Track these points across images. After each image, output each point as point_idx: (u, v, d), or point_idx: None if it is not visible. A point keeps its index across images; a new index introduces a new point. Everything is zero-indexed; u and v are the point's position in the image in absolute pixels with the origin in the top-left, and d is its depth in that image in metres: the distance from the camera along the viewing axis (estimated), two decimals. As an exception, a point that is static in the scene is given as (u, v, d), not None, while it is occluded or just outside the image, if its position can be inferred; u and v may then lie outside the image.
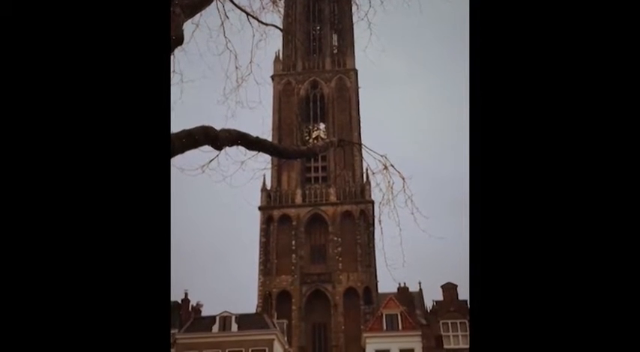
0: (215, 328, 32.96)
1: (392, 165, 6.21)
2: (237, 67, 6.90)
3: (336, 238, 58.80)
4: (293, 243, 59.27)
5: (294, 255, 58.63)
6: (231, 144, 4.86)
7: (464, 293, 34.24)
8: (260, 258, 58.93)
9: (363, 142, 7.02)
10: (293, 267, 57.97)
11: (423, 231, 6.69)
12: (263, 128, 7.10)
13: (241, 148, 5.20)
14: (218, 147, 4.75)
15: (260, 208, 61.35)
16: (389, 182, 6.18)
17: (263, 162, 6.33)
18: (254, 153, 5.50)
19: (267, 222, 60.84)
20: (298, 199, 61.85)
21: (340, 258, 57.73)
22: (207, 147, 4.76)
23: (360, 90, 69.31)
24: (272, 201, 61.96)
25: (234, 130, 4.91)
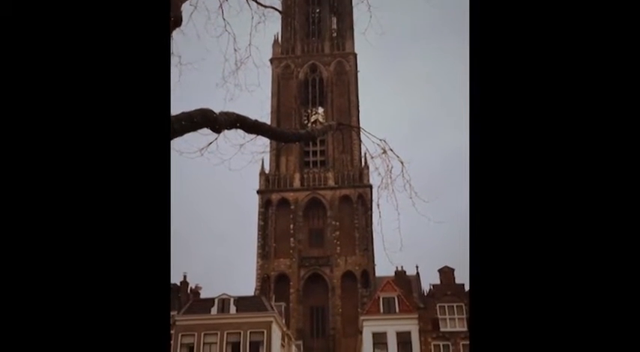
0: (214, 310, 33.27)
1: (391, 149, 6.21)
2: (235, 50, 6.84)
3: (334, 222, 59.08)
4: (291, 226, 59.55)
5: (292, 239, 58.96)
6: (229, 127, 4.85)
7: (461, 277, 34.59)
8: (258, 241, 59.25)
9: (362, 126, 7.02)
10: (291, 251, 58.35)
11: (421, 215, 6.71)
12: (262, 112, 7.08)
13: (240, 131, 5.18)
14: (217, 130, 4.73)
15: (259, 192, 61.49)
16: (387, 166, 6.19)
17: (262, 145, 6.33)
18: (253, 136, 5.48)
19: (265, 205, 61.04)
20: (297, 183, 61.96)
21: (338, 242, 58.09)
22: (205, 130, 4.74)
23: (359, 74, 69.04)
24: (270, 185, 62.07)
25: (233, 113, 4.89)
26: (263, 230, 59.91)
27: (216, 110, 4.76)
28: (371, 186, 56.65)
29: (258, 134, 5.33)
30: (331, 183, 61.36)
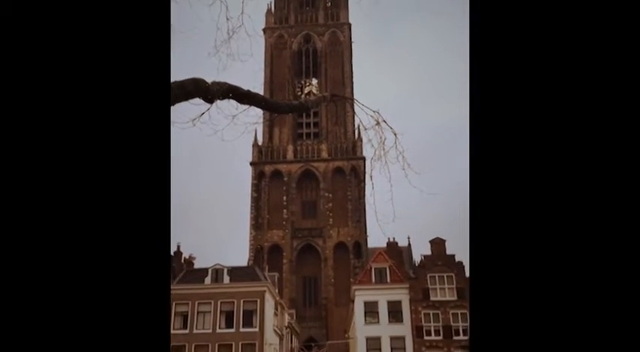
0: (207, 280, 33.69)
1: (384, 121, 6.19)
2: (228, 19, 6.71)
3: (327, 194, 59.39)
4: (284, 198, 59.80)
5: (285, 210, 59.29)
6: (222, 97, 4.80)
7: (451, 248, 35.10)
8: (251, 212, 59.55)
9: (355, 98, 6.96)
10: (284, 222, 58.76)
11: (413, 187, 6.76)
12: (254, 82, 6.98)
13: (232, 102, 5.14)
14: (209, 99, 4.69)
15: (251, 164, 61.44)
16: (381, 138, 6.19)
17: (254, 116, 6.28)
18: (245, 107, 5.44)
19: (258, 177, 61.11)
20: (290, 155, 61.89)
21: (331, 214, 58.52)
22: (198, 100, 4.69)
23: (353, 44, 68.14)
24: (263, 157, 62.00)
25: (225, 83, 4.84)
26: (256, 201, 60.14)
27: (209, 80, 4.71)
28: (364, 158, 56.76)
29: (251, 104, 5.29)
30: (324, 155, 61.34)
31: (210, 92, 4.59)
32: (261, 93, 5.61)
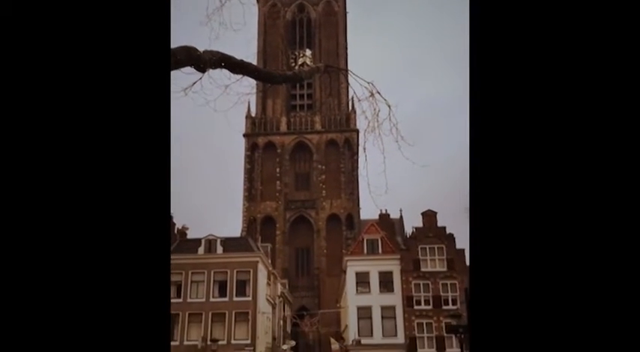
0: (201, 250, 33.94)
1: (378, 92, 6.15)
2: (220, -15, 6.55)
3: (320, 166, 59.43)
4: (278, 170, 59.81)
5: (278, 182, 59.40)
6: (214, 67, 4.74)
7: (442, 220, 35.51)
8: (244, 184, 59.62)
9: (349, 69, 6.87)
10: (277, 194, 58.95)
11: (406, 159, 6.77)
12: (247, 52, 6.86)
13: (225, 72, 5.07)
14: (201, 69, 4.62)
15: (245, 135, 61.11)
16: (375, 109, 6.16)
17: (247, 86, 6.21)
18: (238, 77, 5.37)
19: (251, 149, 60.92)
20: (283, 127, 61.57)
21: (324, 186, 58.71)
22: (189, 70, 4.63)
23: (347, 15, 66.99)
24: (257, 128, 61.65)
25: (218, 52, 4.76)
26: (249, 173, 60.13)
27: (201, 49, 4.63)
28: (357, 131, 56.58)
29: (243, 74, 5.22)
30: (318, 127, 61.08)
31: (202, 61, 4.53)
32: (254, 63, 5.54)
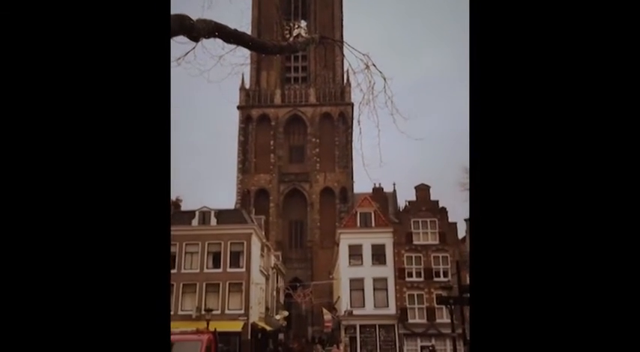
0: (194, 222, 34.09)
1: (374, 65, 6.09)
2: (213, -48, 6.39)
3: (314, 139, 59.27)
4: (272, 142, 59.61)
5: (272, 155, 59.29)
6: (208, 36, 4.65)
7: (436, 194, 35.70)
8: (238, 156, 59.47)
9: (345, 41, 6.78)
10: (271, 166, 58.91)
11: (401, 133, 6.76)
12: (241, 22, 6.75)
13: (219, 42, 4.99)
14: (194, 38, 4.54)
15: (239, 107, 60.60)
16: (370, 82, 6.11)
17: (241, 57, 6.12)
18: (232, 47, 5.29)
19: (245, 121, 60.51)
20: (277, 99, 61.08)
21: (318, 159, 58.71)
22: (182, 39, 4.55)
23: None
24: (251, 101, 61.12)
25: (211, 21, 4.66)
26: (243, 145, 59.91)
27: (194, 18, 4.54)
28: (352, 104, 56.24)
29: (238, 44, 5.14)
30: (312, 100, 60.63)
31: (195, 30, 4.44)
32: (249, 33, 5.45)
